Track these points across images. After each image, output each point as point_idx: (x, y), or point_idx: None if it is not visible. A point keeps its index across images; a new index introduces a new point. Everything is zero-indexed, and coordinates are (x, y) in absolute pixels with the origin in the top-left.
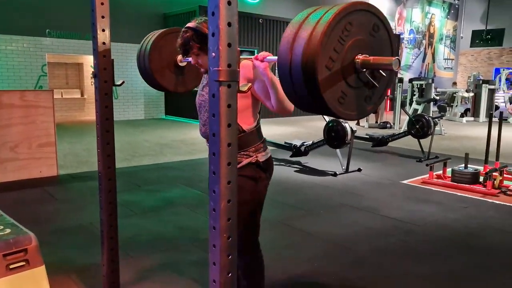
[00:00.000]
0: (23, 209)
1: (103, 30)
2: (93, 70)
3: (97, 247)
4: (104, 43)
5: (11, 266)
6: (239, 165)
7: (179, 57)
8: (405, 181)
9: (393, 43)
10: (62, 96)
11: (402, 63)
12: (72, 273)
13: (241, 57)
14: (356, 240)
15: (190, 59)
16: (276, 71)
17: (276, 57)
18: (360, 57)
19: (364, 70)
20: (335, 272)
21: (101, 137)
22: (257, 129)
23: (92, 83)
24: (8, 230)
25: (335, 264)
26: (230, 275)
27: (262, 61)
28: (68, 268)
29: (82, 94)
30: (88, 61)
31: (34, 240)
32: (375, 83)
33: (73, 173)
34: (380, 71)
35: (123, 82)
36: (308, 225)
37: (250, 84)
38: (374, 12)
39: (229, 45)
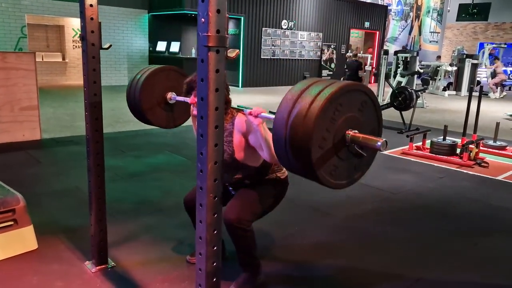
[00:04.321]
0: (7, 172)
1: None
2: (76, 33)
3: (83, 209)
4: (91, 5)
5: (0, 225)
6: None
7: (169, 94)
8: (385, 152)
9: (379, 115)
10: (42, 59)
11: (389, 35)
12: (59, 233)
13: (236, 109)
14: (336, 206)
15: (184, 98)
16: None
17: (270, 115)
18: (350, 133)
19: (353, 144)
20: (315, 236)
21: (88, 100)
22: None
23: (74, 47)
24: None
25: (315, 228)
26: (215, 232)
27: (256, 117)
28: (56, 229)
29: (63, 58)
30: (70, 24)
31: (21, 201)
32: (363, 153)
33: (56, 137)
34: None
35: (110, 46)
36: (290, 192)
37: (237, 50)
38: (363, 90)
39: (218, 11)
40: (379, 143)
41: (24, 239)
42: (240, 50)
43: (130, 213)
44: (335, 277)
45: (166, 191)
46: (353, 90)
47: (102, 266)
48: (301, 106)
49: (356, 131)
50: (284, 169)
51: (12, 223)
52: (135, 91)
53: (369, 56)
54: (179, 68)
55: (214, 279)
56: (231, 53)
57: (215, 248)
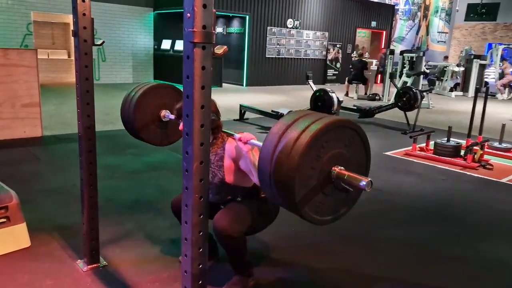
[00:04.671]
0: (6, 168)
1: None
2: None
3: (79, 207)
4: (83, 0)
5: None
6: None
7: (163, 112)
8: (388, 153)
9: (367, 150)
10: (48, 56)
11: (396, 35)
12: (53, 231)
13: (226, 133)
14: None
15: (173, 116)
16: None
17: (259, 143)
18: (336, 169)
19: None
20: (309, 237)
21: (80, 97)
22: None
23: None
24: None
25: (310, 229)
26: (201, 233)
27: (245, 143)
28: (50, 227)
29: (69, 56)
30: None
31: (15, 198)
32: (349, 188)
33: (58, 134)
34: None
35: (103, 42)
36: None
37: (225, 47)
38: (351, 127)
39: (204, 6)
40: (363, 183)
41: (16, 236)
42: (245, 49)
43: (125, 212)
44: (330, 279)
45: (162, 190)
46: (340, 126)
47: (93, 265)
48: (286, 141)
49: (342, 167)
50: None
51: (4, 220)
52: (129, 109)
53: (374, 61)
54: (173, 86)
55: (200, 282)
56: (219, 50)
57: (201, 250)
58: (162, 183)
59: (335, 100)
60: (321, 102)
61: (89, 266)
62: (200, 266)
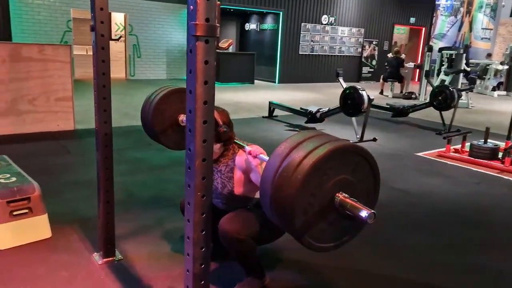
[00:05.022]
0: (37, 160)
1: None
2: (118, 27)
3: None
4: None
5: (15, 213)
6: None
7: (181, 117)
8: (420, 153)
9: (376, 175)
10: (87, 52)
11: (436, 31)
12: (74, 223)
13: (238, 144)
14: None
15: None
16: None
17: (267, 158)
18: (340, 196)
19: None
20: None
21: (97, 92)
22: None
23: (116, 41)
24: (13, 179)
25: None
26: (203, 232)
27: (254, 157)
28: (72, 219)
29: None
30: (113, 18)
31: (37, 189)
32: (354, 215)
33: (89, 128)
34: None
35: (120, 37)
36: None
37: (230, 40)
38: (357, 152)
39: None
40: (365, 214)
41: (37, 227)
42: (278, 46)
43: (145, 206)
44: (340, 283)
45: (183, 185)
46: (346, 152)
47: (109, 259)
48: (287, 165)
49: (346, 194)
50: None
51: (26, 211)
52: (148, 113)
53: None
54: None
55: (202, 282)
56: (223, 44)
57: (203, 249)
58: (184, 178)
59: (365, 98)
60: (350, 100)
61: (104, 260)
62: (203, 266)
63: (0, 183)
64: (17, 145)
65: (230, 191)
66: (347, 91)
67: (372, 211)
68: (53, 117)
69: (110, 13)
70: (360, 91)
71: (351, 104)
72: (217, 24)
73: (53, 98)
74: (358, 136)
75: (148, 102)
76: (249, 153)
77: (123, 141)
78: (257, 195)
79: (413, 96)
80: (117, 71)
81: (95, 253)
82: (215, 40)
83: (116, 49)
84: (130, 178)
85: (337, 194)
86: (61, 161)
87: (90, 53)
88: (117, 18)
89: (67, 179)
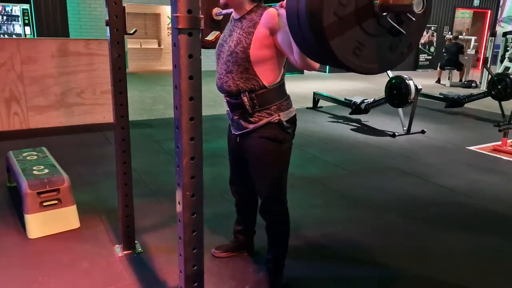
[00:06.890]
0: (79, 151)
1: None
2: (170, 20)
3: (134, 191)
4: None
5: (45, 204)
6: (257, 124)
7: (215, 10)
8: (472, 147)
9: None
10: (141, 46)
11: (504, 14)
12: (103, 213)
13: (266, 5)
14: (393, 205)
15: (224, 11)
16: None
17: None
18: None
19: (385, 13)
20: (356, 238)
21: (114, 87)
22: (281, 85)
23: (169, 34)
24: (46, 171)
25: (360, 230)
26: (195, 233)
27: None
28: (101, 209)
29: (159, 44)
30: (165, 12)
31: (66, 181)
32: (400, 29)
33: (134, 120)
34: (408, 14)
35: (135, 31)
36: (345, 186)
37: (218, 32)
38: None
39: None
40: (412, 3)
41: (66, 218)
42: None
43: (174, 198)
44: (368, 286)
45: (214, 177)
46: None
47: (128, 251)
48: None
49: None
50: (291, 106)
51: (56, 202)
52: None
53: (473, 38)
54: None
55: (196, 283)
56: (210, 37)
57: (195, 250)
58: (216, 170)
59: (413, 88)
60: (396, 90)
61: (124, 252)
62: (195, 267)
63: (33, 174)
64: (66, 136)
65: (245, 48)
66: (393, 81)
67: None
68: (99, 109)
69: (124, 7)
70: (407, 81)
71: (397, 94)
72: (201, 16)
73: (99, 91)
74: (405, 128)
75: None
76: (281, 5)
77: (164, 132)
78: (266, 77)
79: (473, 85)
80: (169, 63)
81: (117, 245)
82: (199, 33)
83: (169, 41)
84: (164, 169)
85: None
86: (101, 152)
87: (144, 46)
88: (169, 12)
89: (104, 169)
